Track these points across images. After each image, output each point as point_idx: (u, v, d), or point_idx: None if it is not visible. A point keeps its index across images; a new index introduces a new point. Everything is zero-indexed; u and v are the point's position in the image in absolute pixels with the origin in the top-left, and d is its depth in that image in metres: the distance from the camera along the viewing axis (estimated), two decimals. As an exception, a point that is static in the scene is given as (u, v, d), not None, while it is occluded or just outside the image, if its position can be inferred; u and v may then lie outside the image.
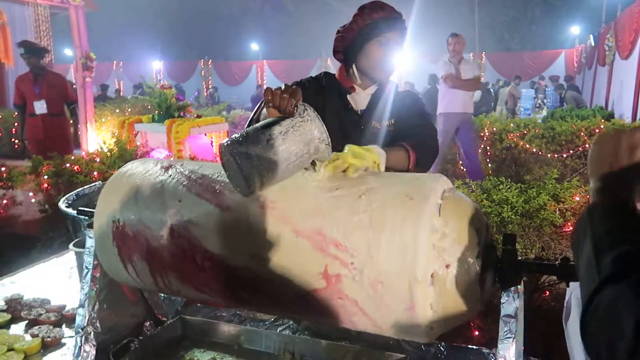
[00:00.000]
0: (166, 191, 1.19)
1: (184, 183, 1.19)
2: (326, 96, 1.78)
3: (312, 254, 1.01)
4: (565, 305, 1.98)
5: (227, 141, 1.03)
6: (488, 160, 6.64)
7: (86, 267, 1.40)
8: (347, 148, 1.20)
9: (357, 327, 1.07)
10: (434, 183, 1.02)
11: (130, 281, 1.31)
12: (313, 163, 1.11)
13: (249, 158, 1.00)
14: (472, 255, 0.96)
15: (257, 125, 1.07)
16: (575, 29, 18.79)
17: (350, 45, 1.75)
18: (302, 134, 1.05)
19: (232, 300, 1.17)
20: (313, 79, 1.85)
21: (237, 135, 1.04)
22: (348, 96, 1.78)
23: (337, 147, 1.72)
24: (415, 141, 1.63)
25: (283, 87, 1.14)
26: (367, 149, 1.23)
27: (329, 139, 1.09)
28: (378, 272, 0.96)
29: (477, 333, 2.04)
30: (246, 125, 1.13)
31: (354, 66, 1.78)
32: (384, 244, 0.96)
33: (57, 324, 1.69)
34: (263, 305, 1.19)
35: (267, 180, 1.03)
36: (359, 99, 1.79)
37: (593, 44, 13.15)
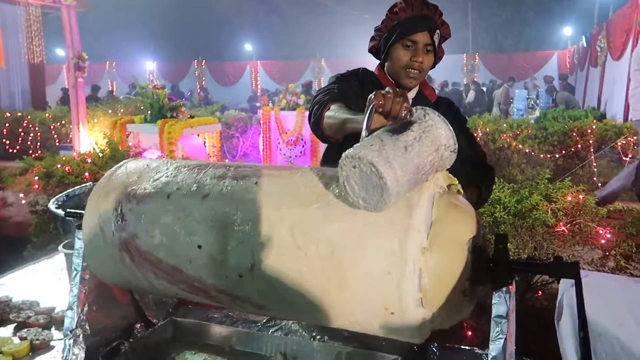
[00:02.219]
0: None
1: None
2: (366, 95, 1.68)
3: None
4: (557, 305, 1.98)
5: (359, 149, 0.91)
6: (481, 160, 6.65)
7: (75, 269, 1.38)
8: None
9: (348, 328, 1.06)
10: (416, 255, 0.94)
11: (122, 284, 1.29)
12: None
13: (392, 167, 0.88)
14: (463, 275, 0.96)
15: (382, 131, 0.97)
16: (567, 30, 18.88)
17: (379, 48, 1.67)
18: (433, 140, 0.95)
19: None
20: (353, 74, 1.72)
21: (368, 143, 0.92)
22: None
23: None
24: (482, 171, 1.54)
25: (392, 90, 1.03)
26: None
27: (456, 145, 0.99)
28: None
29: (470, 333, 2.04)
30: (364, 133, 0.99)
31: (384, 69, 1.69)
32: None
33: (46, 327, 1.67)
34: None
35: (403, 190, 0.92)
36: None
37: (585, 44, 13.22)
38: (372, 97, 1.04)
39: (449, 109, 1.75)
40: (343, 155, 0.93)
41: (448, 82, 14.56)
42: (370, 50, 1.74)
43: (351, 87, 1.64)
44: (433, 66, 1.69)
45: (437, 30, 1.61)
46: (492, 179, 1.64)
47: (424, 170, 0.94)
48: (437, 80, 14.45)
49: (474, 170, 1.54)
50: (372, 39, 1.71)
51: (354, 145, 0.94)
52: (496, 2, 21.29)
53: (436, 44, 1.61)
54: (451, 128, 0.97)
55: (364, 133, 1.00)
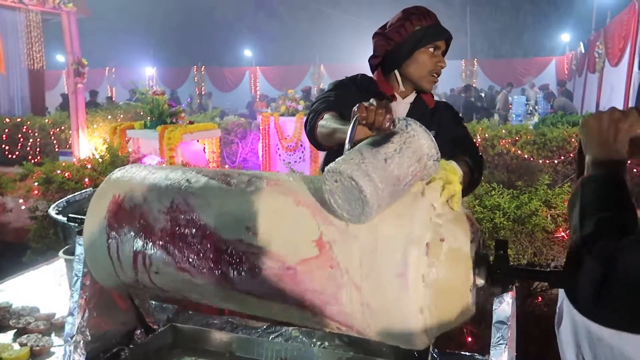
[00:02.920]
0: (173, 177, 1.21)
1: (193, 171, 1.21)
2: (365, 101, 1.74)
3: (309, 221, 1.00)
4: (557, 310, 1.99)
5: (339, 164, 0.94)
6: (480, 166, 6.67)
7: (76, 275, 1.38)
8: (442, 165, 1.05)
9: (349, 333, 1.06)
10: (423, 224, 0.96)
11: (115, 281, 1.28)
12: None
13: (371, 180, 0.90)
14: (465, 264, 0.96)
15: (363, 144, 0.98)
16: (565, 36, 18.98)
17: (394, 51, 1.69)
18: (414, 151, 0.96)
19: (214, 281, 1.13)
20: (351, 80, 1.78)
21: (349, 157, 0.95)
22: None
23: None
24: (472, 157, 1.59)
25: (375, 102, 1.05)
26: (451, 166, 1.08)
27: (439, 154, 1.00)
28: (373, 239, 0.96)
29: (470, 339, 2.04)
30: (347, 146, 1.02)
31: (396, 73, 1.72)
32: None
33: (46, 333, 1.67)
34: (247, 287, 1.11)
35: (385, 203, 0.94)
36: (398, 108, 1.73)
37: (583, 51, 13.29)
38: (356, 109, 1.06)
39: (448, 109, 1.81)
40: (325, 169, 0.95)
41: (470, 87, 14.68)
42: (377, 52, 1.74)
43: (349, 94, 1.67)
44: None
45: None
46: (482, 167, 1.69)
47: (405, 181, 0.95)
48: (455, 85, 14.49)
49: (468, 157, 1.60)
50: (379, 44, 1.72)
51: (336, 159, 0.96)
52: (494, 8, 21.39)
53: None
54: (433, 138, 0.99)
55: (347, 146, 1.02)
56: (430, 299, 0.94)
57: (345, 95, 1.66)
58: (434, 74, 1.69)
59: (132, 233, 1.20)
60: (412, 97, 1.75)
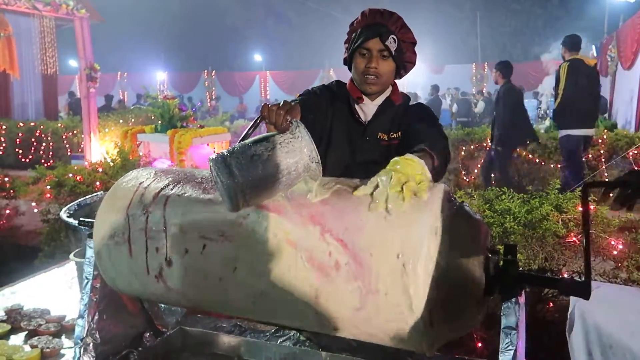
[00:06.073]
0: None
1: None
2: (336, 105, 1.79)
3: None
4: (568, 317, 1.96)
5: (214, 156, 1.04)
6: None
7: (86, 278, 1.40)
8: (394, 164, 1.07)
9: (357, 337, 1.06)
10: (428, 236, 0.95)
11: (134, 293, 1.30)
12: (306, 181, 1.09)
13: (231, 174, 0.99)
14: (472, 284, 0.95)
15: (247, 140, 1.06)
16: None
17: (347, 57, 1.78)
18: (289, 151, 1.03)
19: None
20: (325, 87, 1.86)
21: (224, 151, 1.04)
22: (356, 106, 1.77)
23: (344, 156, 1.70)
24: (434, 146, 1.52)
25: (281, 103, 1.12)
26: (412, 161, 1.09)
27: (319, 157, 1.07)
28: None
29: (480, 345, 2.02)
30: (238, 141, 1.11)
31: (352, 77, 1.79)
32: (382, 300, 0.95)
33: (56, 335, 1.69)
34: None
35: (251, 197, 1.02)
36: (367, 110, 1.77)
37: (595, 54, 13.15)
38: (261, 109, 1.15)
39: (421, 107, 1.83)
40: (208, 159, 1.04)
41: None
42: (345, 64, 1.84)
43: (318, 99, 1.77)
44: (405, 71, 1.74)
45: (392, 36, 1.65)
46: (446, 161, 1.60)
47: (274, 179, 1.02)
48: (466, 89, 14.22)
49: (433, 145, 1.54)
50: (345, 52, 1.82)
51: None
52: (505, 11, 21.27)
53: (392, 49, 1.65)
54: (313, 142, 1.05)
55: (238, 141, 1.10)
56: (436, 300, 0.94)
57: (313, 101, 1.74)
58: (367, 76, 1.68)
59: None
60: (382, 98, 1.77)
